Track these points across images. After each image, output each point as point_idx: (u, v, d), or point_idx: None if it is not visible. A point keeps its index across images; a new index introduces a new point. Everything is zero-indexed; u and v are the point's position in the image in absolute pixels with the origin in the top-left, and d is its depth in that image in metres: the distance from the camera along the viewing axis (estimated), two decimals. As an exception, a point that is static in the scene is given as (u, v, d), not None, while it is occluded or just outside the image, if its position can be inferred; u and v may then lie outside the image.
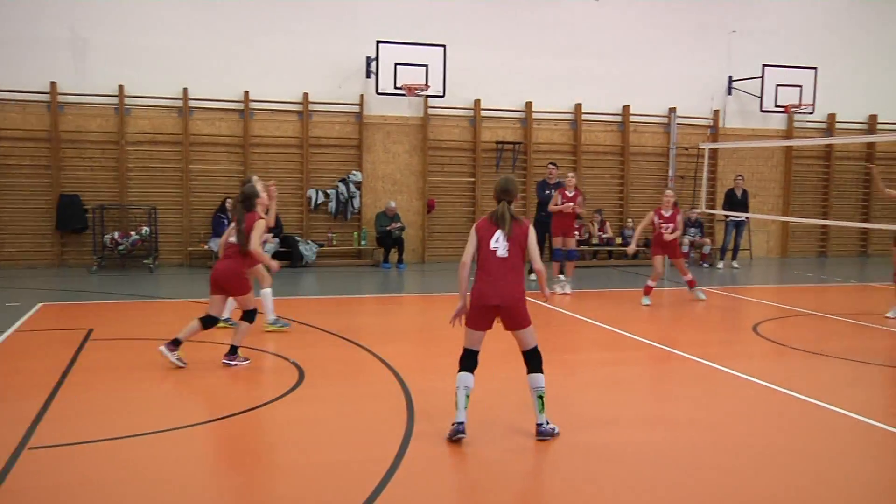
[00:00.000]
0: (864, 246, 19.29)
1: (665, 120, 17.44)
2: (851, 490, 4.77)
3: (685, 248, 16.49)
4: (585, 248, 16.24)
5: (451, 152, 16.63)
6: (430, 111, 16.32)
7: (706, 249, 16.69)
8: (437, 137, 16.53)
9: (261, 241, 7.53)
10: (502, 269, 5.33)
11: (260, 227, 7.51)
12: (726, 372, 7.50)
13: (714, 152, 17.62)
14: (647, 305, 11.11)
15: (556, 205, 12.27)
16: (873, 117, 18.92)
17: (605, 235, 16.70)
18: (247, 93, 15.28)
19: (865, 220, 18.41)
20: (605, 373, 7.60)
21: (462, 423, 5.31)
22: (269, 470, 4.94)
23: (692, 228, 16.84)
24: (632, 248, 12.28)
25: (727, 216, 16.27)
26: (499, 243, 5.35)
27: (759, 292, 13.28)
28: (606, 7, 17.17)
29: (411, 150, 16.47)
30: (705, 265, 16.58)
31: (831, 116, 18.63)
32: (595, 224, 16.67)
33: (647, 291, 11.32)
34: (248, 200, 7.56)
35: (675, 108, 17.25)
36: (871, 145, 18.88)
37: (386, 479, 4.72)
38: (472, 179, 16.66)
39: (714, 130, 17.88)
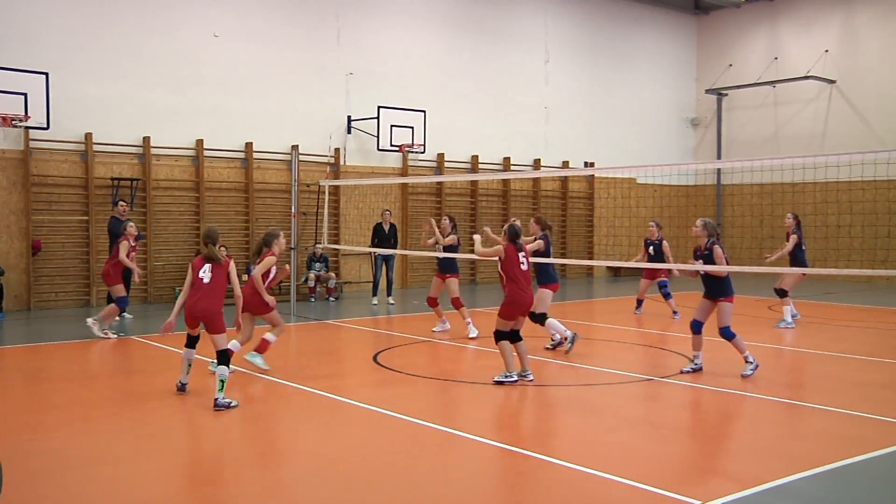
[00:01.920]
0: (473, 274, 21.58)
1: (288, 157, 18.02)
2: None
3: (311, 283, 17.15)
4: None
5: (59, 189, 15.55)
6: (32, 144, 15.14)
7: (331, 283, 17.48)
8: (43, 173, 15.37)
9: None
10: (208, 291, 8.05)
11: None
12: (347, 403, 8.03)
13: (336, 188, 18.57)
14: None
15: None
16: (475, 157, 21.35)
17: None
18: None
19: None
20: (235, 412, 7.70)
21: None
22: None
23: (317, 263, 17.53)
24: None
25: (373, 252, 16.55)
26: (205, 273, 8.06)
27: (373, 323, 14.28)
28: (227, 41, 17.37)
29: (10, 186, 15.11)
30: (331, 299, 17.34)
31: (440, 156, 20.67)
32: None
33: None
34: None
35: (297, 146, 17.89)
36: (473, 183, 21.28)
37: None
38: (86, 218, 15.73)
39: (335, 167, 18.87)
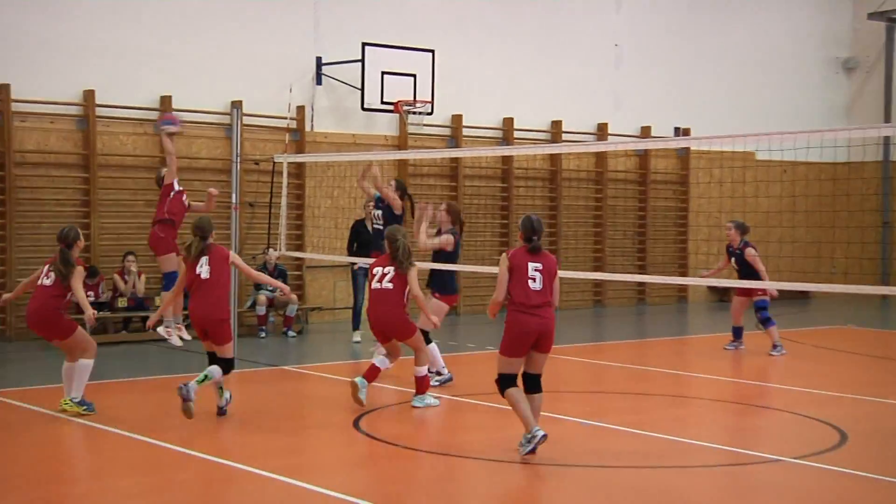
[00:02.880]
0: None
1: (226, 119, 17.84)
2: None
3: (260, 310, 16.93)
4: (109, 314, 15.99)
5: None
6: None
7: (291, 311, 17.24)
8: None
9: None
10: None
11: None
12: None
13: (299, 167, 18.38)
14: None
15: None
16: (509, 121, 21.16)
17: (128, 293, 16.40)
18: None
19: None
20: None
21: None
22: None
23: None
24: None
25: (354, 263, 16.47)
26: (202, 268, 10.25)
27: (353, 370, 14.05)
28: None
29: None
30: (291, 333, 17.10)
31: (457, 119, 20.49)
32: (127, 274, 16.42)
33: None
34: None
35: (239, 102, 17.65)
36: (507, 160, 21.07)
37: None
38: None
39: (298, 136, 18.70)
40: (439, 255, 12.44)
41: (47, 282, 10.28)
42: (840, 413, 10.97)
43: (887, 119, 25.22)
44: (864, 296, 23.31)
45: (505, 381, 8.97)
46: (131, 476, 8.52)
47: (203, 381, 9.99)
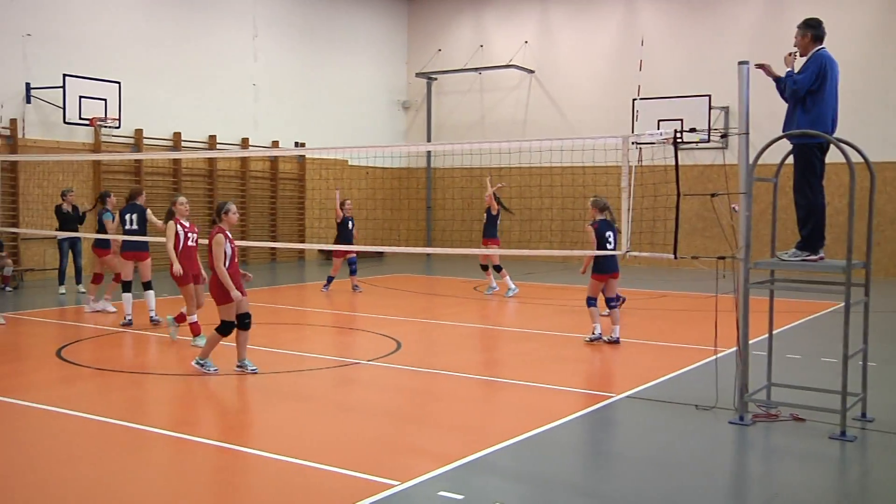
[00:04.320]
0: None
1: (-48, 127, 16.13)
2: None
3: (-14, 272, 15.56)
4: None
5: None
6: None
7: (7, 271, 15.95)
8: None
9: None
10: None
11: None
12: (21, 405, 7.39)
13: (13, 165, 16.96)
14: None
15: None
16: (178, 134, 20.45)
17: None
18: None
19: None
20: None
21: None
22: None
23: (-8, 249, 15.93)
24: None
25: (58, 236, 15.59)
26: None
27: (59, 314, 13.28)
28: None
29: None
30: (8, 289, 15.84)
31: (139, 132, 19.55)
32: None
33: None
34: None
35: (-36, 115, 16.09)
36: (176, 162, 20.40)
37: None
38: None
39: (12, 140, 17.19)
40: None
41: None
42: (399, 330, 11.49)
43: (429, 141, 26.57)
44: (416, 254, 24.56)
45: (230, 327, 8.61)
46: None
47: None
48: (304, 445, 6.31)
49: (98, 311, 12.88)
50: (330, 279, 16.04)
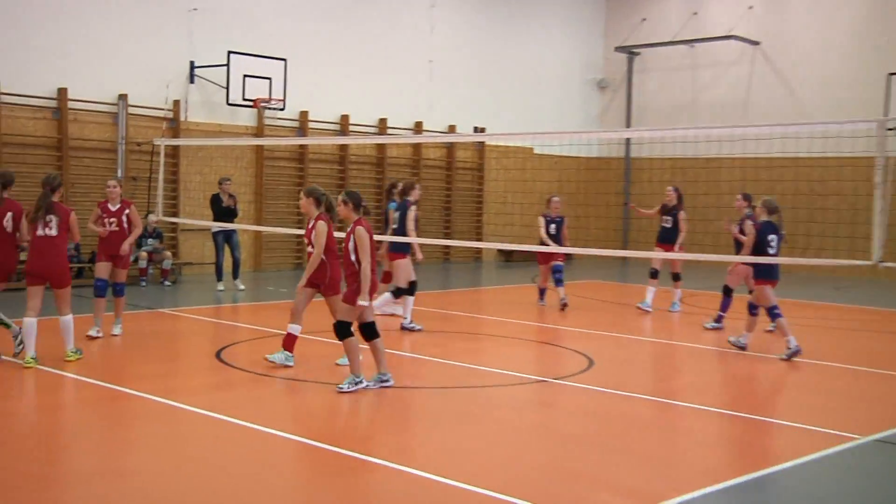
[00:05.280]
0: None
1: (114, 109, 17.44)
2: None
3: (143, 264, 16.69)
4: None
5: None
6: None
7: (167, 264, 17.05)
8: None
9: None
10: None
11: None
12: (185, 409, 7.89)
13: (174, 149, 18.12)
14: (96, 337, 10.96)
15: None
16: (345, 117, 21.23)
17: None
18: None
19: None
20: (45, 422, 7.45)
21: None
22: None
23: (150, 239, 17.07)
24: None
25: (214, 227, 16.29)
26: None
27: (232, 313, 14.07)
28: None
29: None
30: (166, 283, 16.93)
31: (304, 114, 20.45)
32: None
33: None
34: None
35: (125, 95, 17.32)
36: (343, 148, 21.17)
37: None
38: None
39: (174, 123, 18.40)
40: None
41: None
42: (589, 345, 11.36)
43: (628, 126, 26.17)
44: (609, 257, 24.30)
45: (349, 328, 8.61)
46: (31, 398, 8.45)
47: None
48: (482, 471, 6.38)
49: (387, 315, 13.04)
50: (542, 291, 15.44)
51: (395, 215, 12.92)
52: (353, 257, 8.56)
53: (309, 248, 9.42)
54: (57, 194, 9.55)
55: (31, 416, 7.85)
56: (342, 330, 8.58)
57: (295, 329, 9.60)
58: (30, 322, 9.24)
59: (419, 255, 12.78)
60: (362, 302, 8.45)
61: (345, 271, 8.77)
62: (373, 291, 8.66)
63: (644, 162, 25.53)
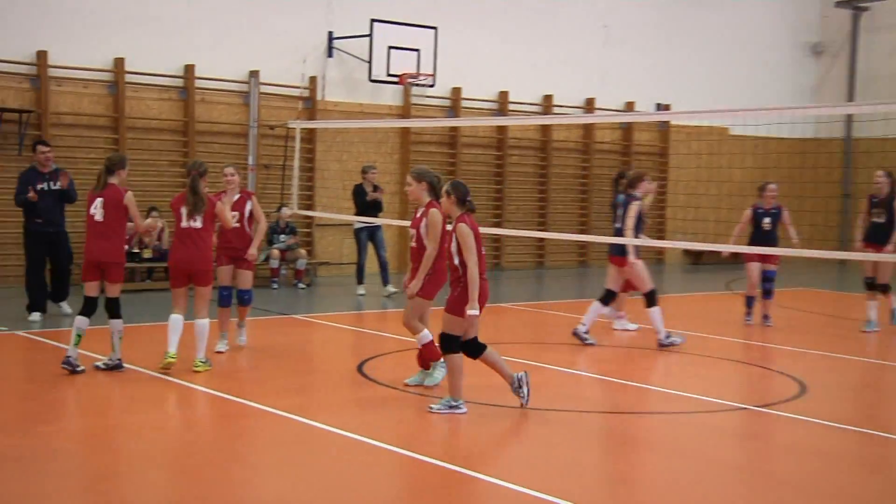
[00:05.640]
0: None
1: (244, 88, 17.91)
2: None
3: (274, 263, 17.02)
4: (137, 263, 16.03)
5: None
6: None
7: (301, 264, 17.36)
8: None
9: None
10: None
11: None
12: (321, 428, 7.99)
13: (310, 133, 18.45)
14: None
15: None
16: (504, 94, 21.21)
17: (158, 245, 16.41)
18: None
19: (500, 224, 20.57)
20: (165, 440, 7.68)
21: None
22: None
23: (282, 235, 17.39)
24: None
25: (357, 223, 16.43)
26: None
27: (357, 319, 14.25)
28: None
29: None
30: (301, 285, 17.23)
31: (456, 91, 20.54)
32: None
33: None
34: None
35: (257, 72, 17.77)
36: (501, 129, 21.16)
37: None
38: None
39: (310, 104, 18.76)
40: None
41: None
42: (800, 366, 11.08)
43: (850, 100, 25.18)
44: (824, 260, 23.47)
45: (455, 343, 8.46)
46: (158, 411, 8.72)
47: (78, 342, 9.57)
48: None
49: (619, 330, 13.32)
50: (749, 301, 14.40)
51: (618, 212, 12.64)
52: (456, 260, 8.41)
53: (412, 243, 9.28)
54: (203, 181, 9.83)
55: (153, 434, 8.01)
56: (448, 344, 8.44)
57: (426, 336, 9.34)
58: (202, 323, 9.74)
59: (631, 258, 12.28)
60: (472, 312, 8.26)
61: (449, 275, 8.67)
62: (483, 299, 8.41)
63: (871, 144, 24.51)
